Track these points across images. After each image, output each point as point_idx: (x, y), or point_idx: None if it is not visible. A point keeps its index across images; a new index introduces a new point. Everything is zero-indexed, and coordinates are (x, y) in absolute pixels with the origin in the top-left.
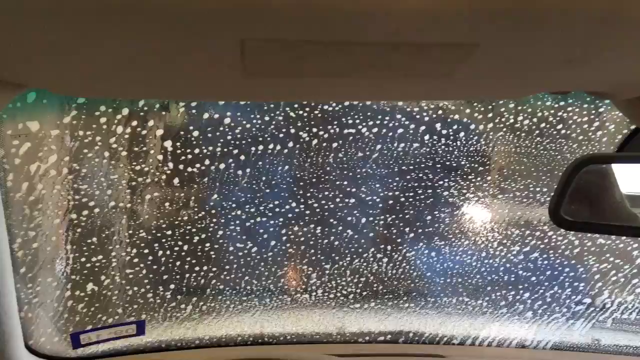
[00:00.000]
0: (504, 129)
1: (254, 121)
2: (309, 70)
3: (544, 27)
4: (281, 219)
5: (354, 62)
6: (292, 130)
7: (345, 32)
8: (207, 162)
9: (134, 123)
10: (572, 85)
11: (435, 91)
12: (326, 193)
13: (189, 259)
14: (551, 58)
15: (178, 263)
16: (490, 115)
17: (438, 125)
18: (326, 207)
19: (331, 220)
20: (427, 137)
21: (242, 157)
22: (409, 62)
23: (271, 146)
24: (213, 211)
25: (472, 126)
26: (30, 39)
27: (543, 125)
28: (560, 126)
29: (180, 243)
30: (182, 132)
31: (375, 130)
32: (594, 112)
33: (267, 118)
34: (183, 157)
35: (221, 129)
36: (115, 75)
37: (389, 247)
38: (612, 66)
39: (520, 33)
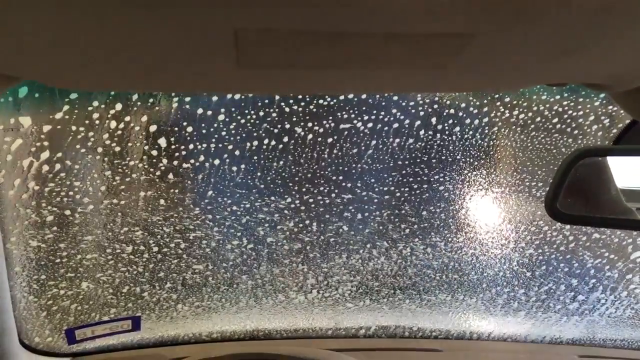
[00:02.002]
0: (500, 123)
1: (249, 116)
2: (303, 61)
3: (540, 17)
4: (277, 216)
5: (350, 53)
6: (287, 125)
7: (340, 23)
8: (201, 158)
9: (127, 118)
10: (569, 77)
11: (431, 84)
12: (322, 189)
13: (184, 256)
14: (547, 49)
15: (174, 260)
16: (485, 109)
17: (433, 120)
18: (322, 203)
19: (327, 216)
20: (422, 132)
21: (237, 153)
22: (404, 54)
23: (266, 142)
24: (209, 208)
25: (467, 120)
26: (21, 29)
27: (539, 118)
28: (556, 120)
29: (176, 240)
30: (176, 128)
31: (370, 125)
32: (589, 105)
33: (261, 113)
34: (177, 153)
35: (215, 125)
36: (107, 68)
37: (385, 244)
38: (609, 58)
39: (516, 24)
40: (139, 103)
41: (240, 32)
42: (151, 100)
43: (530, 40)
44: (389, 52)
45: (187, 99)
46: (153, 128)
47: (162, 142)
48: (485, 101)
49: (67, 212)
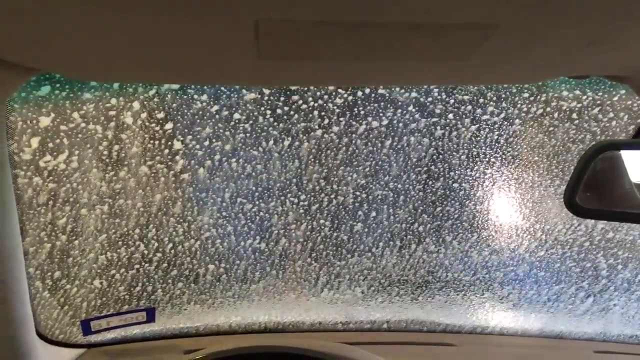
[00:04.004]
0: (517, 119)
1: (264, 115)
2: (324, 52)
3: (568, 7)
4: (291, 214)
5: (371, 44)
6: (301, 124)
7: (362, 12)
8: (217, 157)
9: (143, 115)
10: (592, 69)
11: (452, 76)
12: (335, 187)
13: (199, 252)
14: (573, 40)
15: (189, 254)
16: (504, 104)
17: (450, 116)
18: (336, 201)
19: (342, 214)
20: (438, 128)
21: (253, 152)
22: (427, 44)
23: (281, 140)
24: (224, 205)
25: (485, 117)
26: (42, 21)
27: (557, 113)
28: (575, 115)
29: (191, 236)
30: (192, 126)
31: (384, 122)
32: (608, 101)
33: (279, 111)
34: (196, 152)
35: (231, 123)
36: (127, 59)
37: (399, 239)
38: (633, 49)
39: (542, 14)
40: (155, 100)
41: (261, 23)
42: (169, 96)
43: (555, 31)
44: (411, 43)
45: (204, 96)
46: (169, 126)
47: (179, 140)
48: (504, 96)
49: (83, 210)
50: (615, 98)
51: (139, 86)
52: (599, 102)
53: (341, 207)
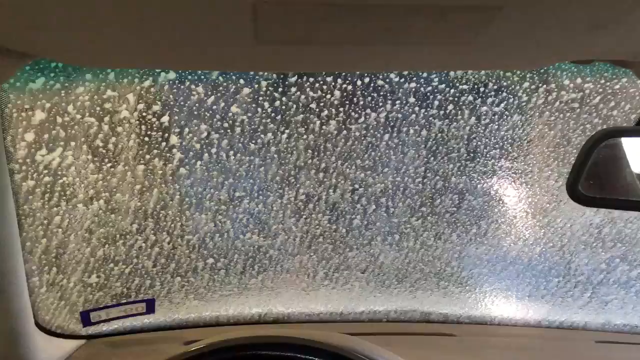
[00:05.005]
0: (518, 109)
1: (263, 108)
2: (324, 37)
3: None
4: (291, 206)
5: (373, 27)
6: (299, 117)
7: None
8: (214, 150)
9: (140, 106)
10: (596, 53)
11: (454, 61)
12: (334, 181)
13: (198, 241)
14: (578, 22)
15: (188, 245)
16: (504, 94)
17: (450, 107)
18: (335, 194)
19: (342, 206)
20: (436, 120)
21: (251, 145)
22: (429, 28)
23: (279, 133)
24: (224, 195)
25: (484, 108)
26: (36, 5)
27: (558, 103)
28: (576, 104)
29: (190, 224)
30: (190, 119)
31: (382, 114)
32: (610, 89)
33: (277, 103)
34: (192, 143)
35: (229, 114)
36: (122, 44)
37: (398, 230)
38: (638, 32)
39: None
40: (152, 90)
41: (258, 6)
42: (166, 87)
43: (560, 13)
44: (413, 27)
45: (200, 88)
46: (165, 119)
47: (175, 133)
48: (505, 83)
49: (80, 203)
50: (617, 86)
51: (135, 77)
52: (600, 90)
53: (341, 199)
